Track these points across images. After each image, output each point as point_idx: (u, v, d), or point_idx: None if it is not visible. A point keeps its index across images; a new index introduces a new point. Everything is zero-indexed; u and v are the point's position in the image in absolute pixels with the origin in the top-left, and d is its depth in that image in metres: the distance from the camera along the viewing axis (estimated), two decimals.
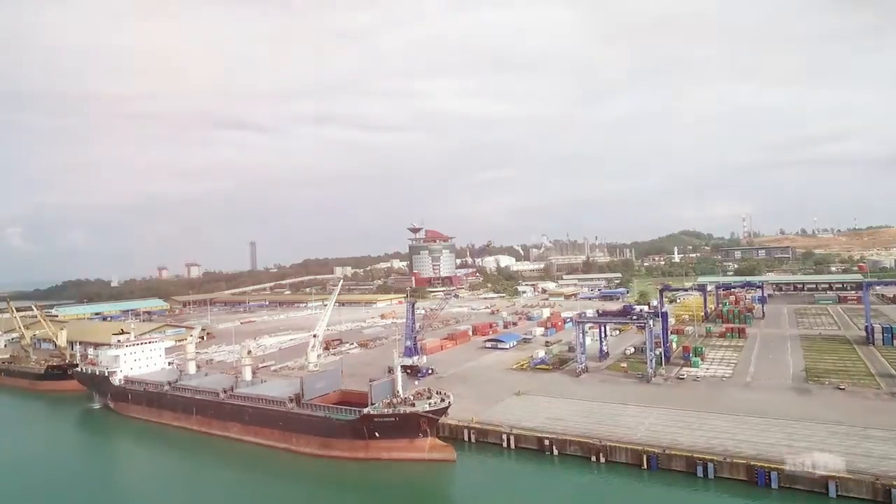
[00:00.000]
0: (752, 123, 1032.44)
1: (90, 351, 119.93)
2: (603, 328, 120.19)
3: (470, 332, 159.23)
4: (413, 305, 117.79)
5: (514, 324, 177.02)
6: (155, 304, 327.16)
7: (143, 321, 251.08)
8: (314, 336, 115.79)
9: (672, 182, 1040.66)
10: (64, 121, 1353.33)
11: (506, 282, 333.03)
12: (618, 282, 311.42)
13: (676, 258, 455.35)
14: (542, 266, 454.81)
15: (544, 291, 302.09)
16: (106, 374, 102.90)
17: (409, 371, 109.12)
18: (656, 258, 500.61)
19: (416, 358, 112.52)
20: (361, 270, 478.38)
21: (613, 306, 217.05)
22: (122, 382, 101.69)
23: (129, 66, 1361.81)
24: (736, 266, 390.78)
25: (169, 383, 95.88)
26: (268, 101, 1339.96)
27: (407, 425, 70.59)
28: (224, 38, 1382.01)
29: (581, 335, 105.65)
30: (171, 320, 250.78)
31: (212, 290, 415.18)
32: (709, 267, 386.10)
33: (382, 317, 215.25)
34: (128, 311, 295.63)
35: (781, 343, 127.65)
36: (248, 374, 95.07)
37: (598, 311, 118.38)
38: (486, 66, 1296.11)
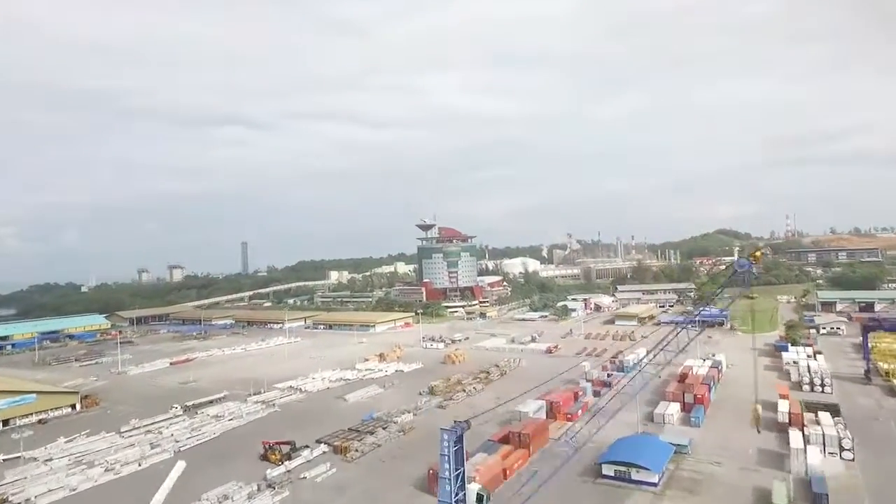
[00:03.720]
0: (762, 121, 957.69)
1: None
2: None
3: (543, 413, 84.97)
4: (461, 440, 42.54)
5: (606, 384, 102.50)
6: (92, 321, 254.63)
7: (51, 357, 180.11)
8: None
9: (681, 181, 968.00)
10: (53, 117, 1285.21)
11: (544, 294, 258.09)
12: (694, 295, 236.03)
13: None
14: (577, 271, 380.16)
15: (598, 308, 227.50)
16: None
17: None
18: (705, 261, 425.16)
19: None
20: (360, 275, 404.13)
21: (733, 342, 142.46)
22: None
23: (120, 60, 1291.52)
24: (823, 272, 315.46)
25: None
26: (266, 97, 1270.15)
27: None
28: (219, 30, 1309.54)
29: None
30: (79, 355, 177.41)
31: (180, 300, 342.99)
32: (786, 273, 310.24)
33: (382, 358, 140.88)
34: (49, 333, 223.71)
35: None
36: None
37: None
38: (489, 61, 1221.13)
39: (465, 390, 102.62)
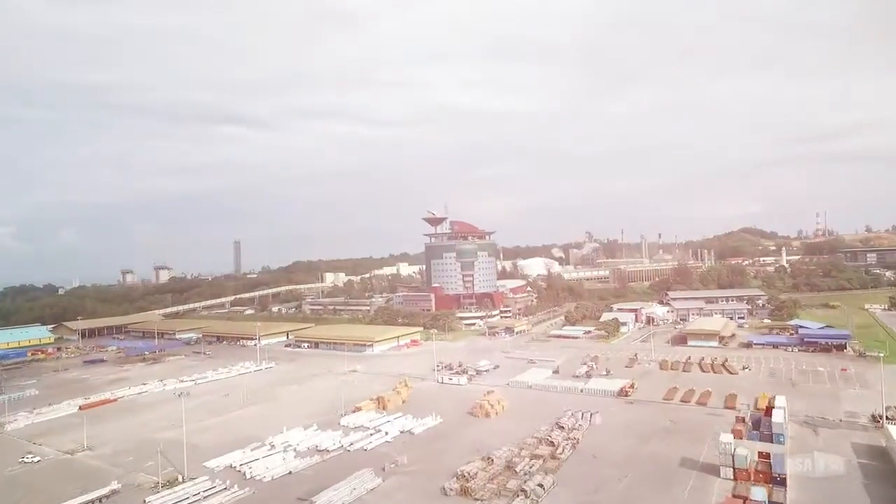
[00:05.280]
0: (771, 118, 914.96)
1: None
2: None
3: None
4: None
5: (778, 480, 57.68)
6: (32, 335, 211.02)
7: None
8: None
9: (689, 179, 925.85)
10: (41, 113, 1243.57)
11: (581, 303, 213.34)
12: (766, 304, 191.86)
13: (785, 262, 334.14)
14: (604, 273, 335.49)
15: (651, 321, 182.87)
16: None
17: None
18: (740, 261, 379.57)
19: None
20: (358, 278, 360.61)
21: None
22: None
23: (110, 52, 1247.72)
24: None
25: None
26: (263, 93, 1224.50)
27: None
28: (213, 23, 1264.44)
29: None
30: None
31: (152, 306, 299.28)
32: (860, 276, 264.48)
33: (380, 404, 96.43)
34: None
35: None
36: None
37: None
38: (491, 55, 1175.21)
39: (524, 489, 58.13)
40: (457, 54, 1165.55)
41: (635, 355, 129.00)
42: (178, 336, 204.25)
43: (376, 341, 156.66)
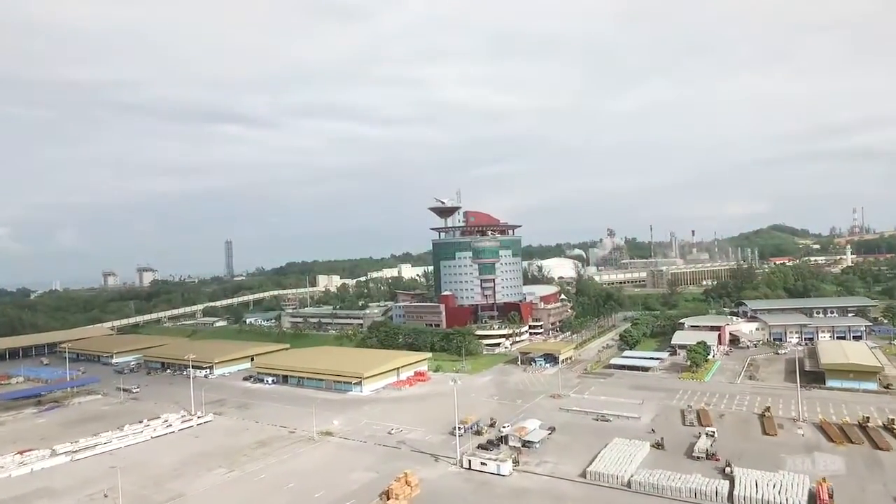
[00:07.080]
0: (773, 115, 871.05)
1: None
2: None
3: None
4: None
5: None
6: None
7: None
8: None
9: (692, 178, 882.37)
10: (36, 112, 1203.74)
11: (638, 318, 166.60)
12: (883, 319, 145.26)
13: (850, 261, 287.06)
14: (639, 276, 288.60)
15: (735, 341, 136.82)
16: None
17: None
18: (785, 261, 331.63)
19: None
20: (353, 282, 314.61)
21: None
22: None
23: (106, 50, 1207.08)
24: None
25: None
26: (262, 91, 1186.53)
27: None
28: (212, 20, 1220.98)
29: None
30: None
31: (109, 316, 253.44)
32: None
33: None
34: None
35: None
36: None
37: None
38: (493, 52, 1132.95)
39: None
40: (458, 51, 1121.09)
41: (767, 409, 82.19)
42: (115, 360, 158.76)
43: (366, 377, 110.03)
